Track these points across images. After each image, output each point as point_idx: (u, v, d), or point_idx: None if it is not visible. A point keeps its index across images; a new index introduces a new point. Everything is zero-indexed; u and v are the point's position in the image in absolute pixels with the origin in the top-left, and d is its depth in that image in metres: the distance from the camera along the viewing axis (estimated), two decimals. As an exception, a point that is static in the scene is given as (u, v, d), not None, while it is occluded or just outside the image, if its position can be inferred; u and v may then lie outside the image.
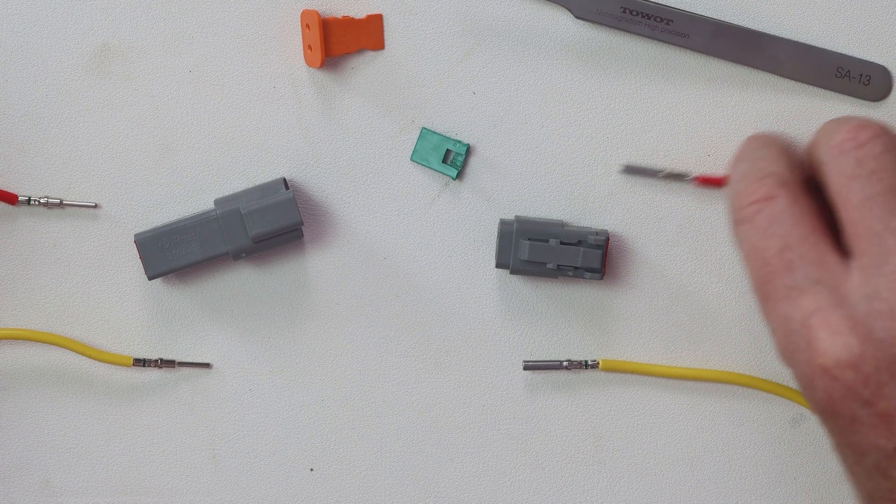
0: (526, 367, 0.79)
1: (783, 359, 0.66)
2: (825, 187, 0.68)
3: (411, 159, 0.78)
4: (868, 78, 0.77)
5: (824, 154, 0.68)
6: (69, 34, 0.78)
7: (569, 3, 0.76)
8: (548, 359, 0.79)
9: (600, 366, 0.78)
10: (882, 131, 0.67)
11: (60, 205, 0.78)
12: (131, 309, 0.79)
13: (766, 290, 0.67)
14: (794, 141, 0.76)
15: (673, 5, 0.77)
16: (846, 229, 0.66)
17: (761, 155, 0.70)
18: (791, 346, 0.65)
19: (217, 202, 0.77)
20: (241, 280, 0.79)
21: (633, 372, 0.78)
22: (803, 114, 0.78)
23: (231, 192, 0.78)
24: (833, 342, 0.64)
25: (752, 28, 0.77)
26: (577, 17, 0.77)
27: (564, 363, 0.78)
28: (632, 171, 0.77)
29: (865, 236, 0.65)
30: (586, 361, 0.78)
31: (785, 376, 0.79)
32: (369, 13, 0.77)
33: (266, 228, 0.75)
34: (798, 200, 0.68)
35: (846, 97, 0.78)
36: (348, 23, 0.77)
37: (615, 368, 0.78)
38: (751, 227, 0.67)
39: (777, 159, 0.70)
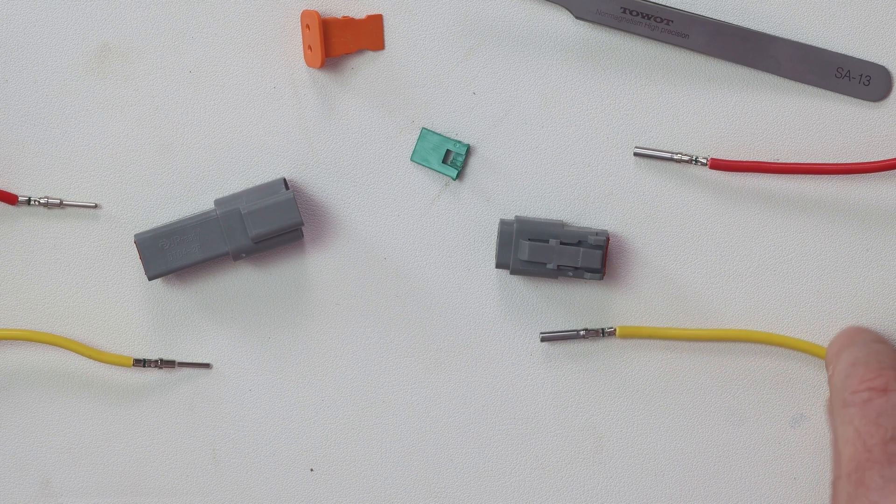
0: (543, 339, 0.78)
1: None
2: None
3: (411, 159, 0.78)
4: (868, 78, 0.77)
5: None
6: (69, 34, 0.78)
7: (569, 3, 0.76)
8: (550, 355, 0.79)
9: (617, 332, 0.78)
10: None
11: (60, 205, 0.78)
12: (131, 309, 0.79)
13: (862, 476, 0.69)
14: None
15: (673, 5, 0.77)
16: None
17: (878, 349, 0.73)
18: None
19: (217, 202, 0.77)
20: (241, 280, 0.79)
21: (651, 337, 0.78)
22: (803, 114, 0.78)
23: (231, 192, 0.78)
24: None
25: (752, 28, 0.77)
26: (577, 17, 0.77)
27: (581, 332, 0.78)
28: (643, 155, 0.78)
29: None
30: (603, 329, 0.78)
31: (801, 333, 0.79)
32: (369, 13, 0.77)
33: (266, 228, 0.75)
34: None
35: (846, 97, 0.78)
36: (348, 23, 0.77)
37: (632, 335, 0.78)
38: (859, 412, 0.70)
39: (891, 352, 0.72)
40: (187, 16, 0.78)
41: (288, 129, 0.78)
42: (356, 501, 0.80)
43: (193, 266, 0.77)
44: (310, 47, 0.77)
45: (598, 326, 0.79)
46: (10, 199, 0.77)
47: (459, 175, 0.78)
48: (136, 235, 0.77)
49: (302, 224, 0.76)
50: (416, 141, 0.78)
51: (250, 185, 0.78)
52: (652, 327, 0.78)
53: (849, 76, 0.77)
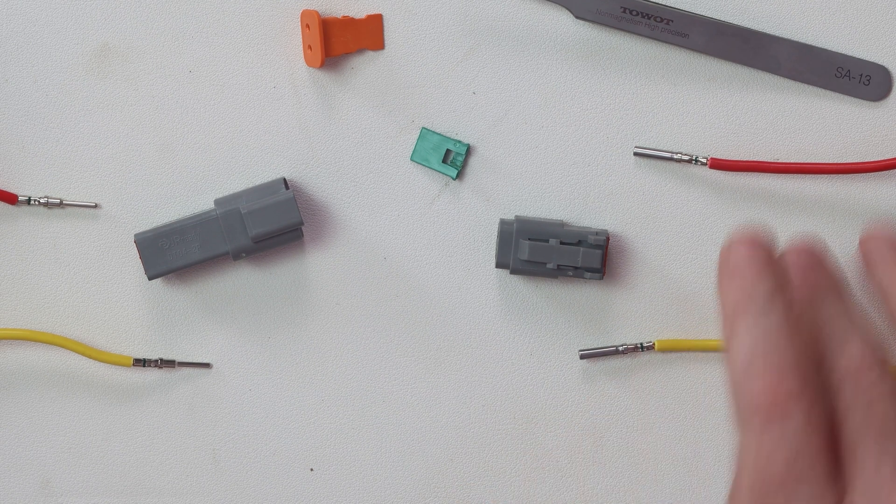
0: (582, 357, 0.78)
1: None
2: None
3: (411, 159, 0.78)
4: (868, 78, 0.77)
5: (840, 372, 0.63)
6: (69, 34, 0.78)
7: (569, 3, 0.77)
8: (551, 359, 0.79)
9: (656, 347, 0.78)
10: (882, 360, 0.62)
11: (60, 205, 0.78)
12: (131, 309, 0.79)
13: (764, 498, 0.61)
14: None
15: (673, 5, 0.77)
16: (843, 451, 0.62)
17: (778, 324, 0.62)
18: None
19: (217, 202, 0.77)
20: (241, 280, 0.79)
21: (691, 349, 0.78)
22: (803, 114, 0.78)
23: (231, 192, 0.78)
24: None
25: (752, 28, 0.77)
26: (577, 17, 0.77)
27: (620, 348, 0.78)
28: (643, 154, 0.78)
29: (860, 463, 0.61)
30: (641, 344, 0.78)
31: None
32: (369, 13, 0.78)
33: (266, 228, 0.75)
34: (818, 410, 0.62)
35: (846, 97, 0.78)
36: (348, 23, 0.77)
37: (671, 348, 0.78)
38: (761, 424, 0.61)
39: (796, 339, 0.62)
40: (187, 16, 0.78)
41: (288, 129, 0.78)
42: (356, 501, 0.80)
43: (193, 266, 0.77)
44: (310, 47, 0.77)
45: (635, 341, 0.79)
46: (10, 199, 0.77)
47: (459, 175, 0.79)
48: (136, 235, 0.77)
49: (302, 224, 0.76)
50: (416, 141, 0.78)
51: (250, 185, 0.78)
52: (691, 340, 0.78)
53: (849, 76, 0.77)
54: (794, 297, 0.63)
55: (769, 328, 0.62)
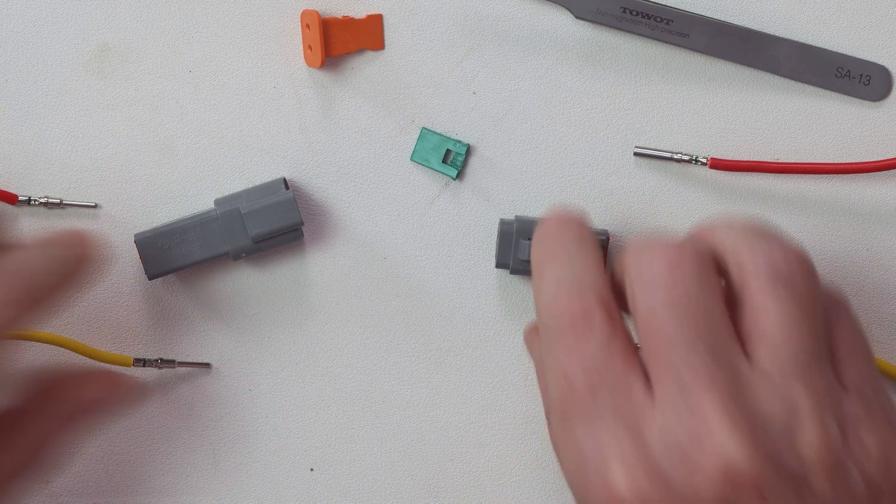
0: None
1: (572, 485, 0.65)
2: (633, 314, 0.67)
3: (411, 159, 0.78)
4: (868, 78, 0.77)
5: (636, 285, 0.66)
6: (69, 34, 0.78)
7: (569, 3, 0.77)
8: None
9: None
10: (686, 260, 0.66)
11: (60, 205, 0.78)
12: (131, 309, 0.79)
13: (565, 410, 0.65)
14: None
15: (673, 5, 0.77)
16: (647, 359, 0.65)
17: (578, 262, 0.68)
18: (583, 476, 0.64)
19: (217, 202, 0.77)
20: (241, 280, 0.79)
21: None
22: (803, 114, 0.78)
23: (231, 192, 0.78)
24: (625, 477, 0.63)
25: (752, 28, 0.77)
26: (577, 17, 0.77)
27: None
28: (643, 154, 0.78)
29: (664, 369, 0.64)
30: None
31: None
32: (369, 13, 0.78)
33: (266, 228, 0.75)
34: (613, 323, 0.66)
35: (846, 97, 0.78)
36: (348, 23, 0.77)
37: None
38: (560, 339, 0.66)
39: (595, 270, 0.68)
40: (187, 16, 0.78)
41: (288, 129, 0.78)
42: (356, 501, 0.80)
43: (193, 266, 0.77)
44: (310, 47, 0.77)
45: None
46: (10, 199, 0.77)
47: (459, 175, 0.79)
48: (136, 235, 0.77)
49: (302, 224, 0.76)
50: (416, 141, 0.78)
51: (250, 185, 0.78)
52: None
53: (849, 76, 0.77)
54: (591, 250, 0.69)
55: (573, 268, 0.68)
